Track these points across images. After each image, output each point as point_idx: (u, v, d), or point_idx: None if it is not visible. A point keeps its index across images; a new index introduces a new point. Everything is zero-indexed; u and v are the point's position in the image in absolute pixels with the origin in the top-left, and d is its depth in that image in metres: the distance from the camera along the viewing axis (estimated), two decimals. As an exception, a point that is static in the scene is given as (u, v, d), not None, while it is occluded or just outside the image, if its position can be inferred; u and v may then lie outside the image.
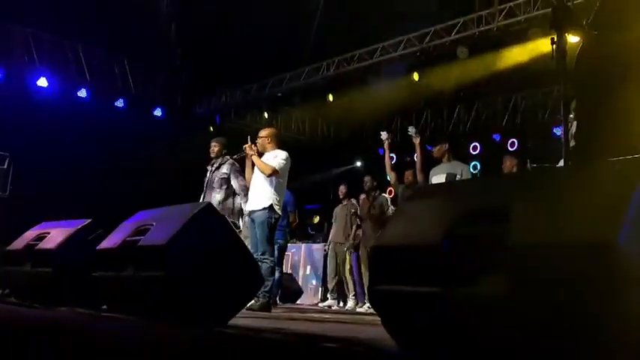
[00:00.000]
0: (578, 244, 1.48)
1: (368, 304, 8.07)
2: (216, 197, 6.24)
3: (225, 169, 6.36)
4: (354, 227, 8.40)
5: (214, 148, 6.52)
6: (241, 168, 6.36)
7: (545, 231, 1.59)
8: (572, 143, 2.58)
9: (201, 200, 6.46)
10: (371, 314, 7.21)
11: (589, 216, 1.53)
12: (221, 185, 6.31)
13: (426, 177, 6.59)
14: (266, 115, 12.93)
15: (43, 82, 11.28)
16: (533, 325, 1.59)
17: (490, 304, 1.66)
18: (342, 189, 8.72)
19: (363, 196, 8.35)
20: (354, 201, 8.62)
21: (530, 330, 1.61)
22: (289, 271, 10.15)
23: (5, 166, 9.96)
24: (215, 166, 6.46)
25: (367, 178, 8.39)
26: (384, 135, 7.34)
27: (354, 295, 8.45)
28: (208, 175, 6.49)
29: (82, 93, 11.77)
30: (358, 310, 8.12)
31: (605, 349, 1.43)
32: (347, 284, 8.58)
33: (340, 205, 8.72)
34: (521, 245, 1.60)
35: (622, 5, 2.52)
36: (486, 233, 1.72)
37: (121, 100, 12.31)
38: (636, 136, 2.29)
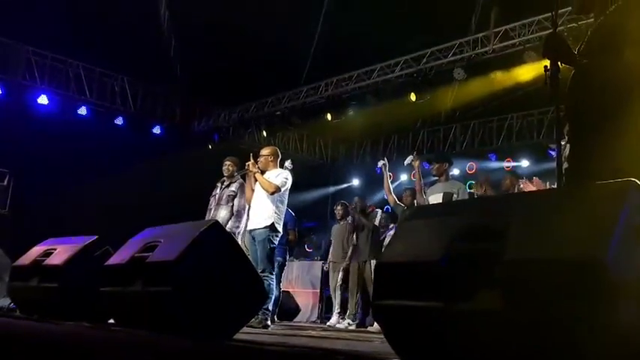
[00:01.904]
0: (569, 260, 1.59)
1: (349, 321, 8.12)
2: (222, 214, 6.35)
3: (234, 187, 6.49)
4: (351, 247, 8.47)
5: (229, 167, 6.63)
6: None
7: (538, 248, 1.70)
8: (565, 165, 2.69)
9: (208, 217, 6.56)
10: (358, 331, 7.27)
11: (580, 234, 1.64)
12: (228, 202, 6.42)
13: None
14: (264, 133, 13.06)
15: (43, 99, 11.40)
16: (527, 338, 1.69)
17: (487, 319, 1.76)
18: (340, 209, 8.78)
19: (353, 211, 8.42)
20: (350, 220, 8.70)
21: (525, 343, 1.71)
22: (287, 289, 10.18)
23: (5, 183, 10.02)
24: (225, 183, 6.58)
25: (356, 199, 8.53)
26: (380, 163, 7.50)
27: (339, 311, 8.48)
28: (218, 191, 6.60)
29: (82, 111, 11.90)
30: (338, 326, 8.17)
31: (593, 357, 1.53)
32: (334, 299, 8.62)
33: (338, 225, 8.78)
34: (516, 261, 1.70)
35: (613, 33, 2.65)
36: (483, 250, 1.82)
37: (121, 118, 12.43)
38: (625, 159, 2.41)
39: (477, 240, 1.88)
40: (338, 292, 8.47)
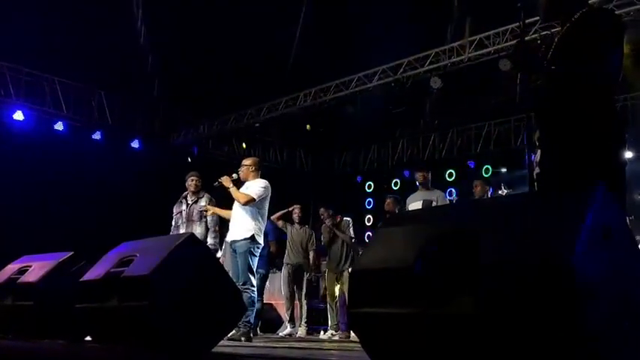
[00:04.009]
0: (539, 264, 1.61)
1: (332, 332, 8.08)
2: (197, 230, 6.31)
3: (203, 202, 6.46)
4: (312, 253, 8.39)
5: (195, 182, 6.58)
6: (217, 198, 6.47)
7: (510, 252, 1.72)
8: (536, 170, 2.74)
9: (174, 232, 6.50)
10: (340, 341, 7.26)
11: (549, 238, 1.66)
12: (200, 219, 6.41)
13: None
14: (244, 145, 13.04)
15: (19, 115, 11.24)
16: (502, 341, 1.71)
17: (462, 323, 1.77)
18: (297, 211, 8.51)
19: (326, 221, 8.32)
20: (308, 227, 8.61)
21: (500, 346, 1.72)
22: (269, 301, 10.12)
23: (-20, 200, 9.86)
24: (192, 199, 6.54)
25: (322, 209, 8.44)
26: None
27: (306, 321, 8.39)
28: (184, 207, 6.55)
29: (59, 126, 11.74)
30: (321, 337, 8.12)
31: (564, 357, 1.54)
32: (301, 309, 8.50)
33: (295, 229, 8.49)
34: (489, 266, 1.72)
35: (578, 40, 2.71)
36: (456, 255, 1.84)
37: (98, 133, 12.29)
38: (592, 161, 2.46)
39: (450, 245, 1.90)
40: (305, 301, 8.40)
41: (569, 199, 1.78)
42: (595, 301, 1.54)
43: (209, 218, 6.40)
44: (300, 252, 8.32)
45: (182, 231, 6.39)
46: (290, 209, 8.41)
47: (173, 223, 6.60)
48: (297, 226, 8.46)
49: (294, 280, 8.34)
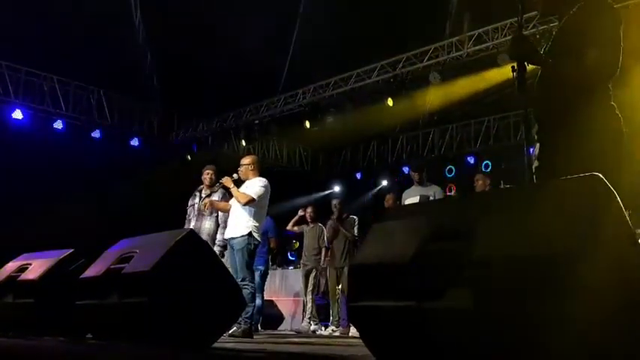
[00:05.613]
0: (536, 257, 1.61)
1: (332, 327, 8.10)
2: (206, 224, 6.30)
3: (216, 197, 6.39)
4: (323, 250, 8.43)
5: (211, 175, 6.56)
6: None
7: (506, 246, 1.72)
8: (535, 164, 2.74)
9: (186, 225, 6.48)
10: (341, 337, 7.28)
11: (546, 231, 1.66)
12: (211, 213, 6.36)
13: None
14: (243, 143, 13.04)
15: (18, 114, 11.24)
16: (498, 335, 1.71)
17: (458, 316, 1.77)
18: (310, 211, 8.68)
19: (333, 217, 8.36)
20: (320, 224, 8.67)
21: (496, 339, 1.72)
22: (270, 298, 10.15)
23: (-20, 199, 9.87)
24: (206, 192, 6.50)
25: (335, 202, 8.50)
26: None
27: (309, 317, 8.44)
28: (197, 201, 6.52)
29: (58, 124, 11.74)
30: (322, 333, 8.16)
31: (561, 352, 1.55)
32: (305, 305, 8.57)
33: (309, 228, 8.65)
34: (485, 259, 1.72)
35: (575, 33, 2.71)
36: (452, 249, 1.84)
37: (98, 131, 12.30)
38: (589, 155, 2.46)
39: (447, 239, 1.90)
40: (309, 297, 8.45)
41: (566, 191, 1.78)
42: (595, 294, 1.54)
43: (220, 213, 6.36)
44: (313, 252, 8.41)
45: (192, 224, 6.36)
46: (302, 213, 8.58)
47: (187, 215, 6.59)
48: (310, 225, 8.55)
49: (307, 279, 8.48)
